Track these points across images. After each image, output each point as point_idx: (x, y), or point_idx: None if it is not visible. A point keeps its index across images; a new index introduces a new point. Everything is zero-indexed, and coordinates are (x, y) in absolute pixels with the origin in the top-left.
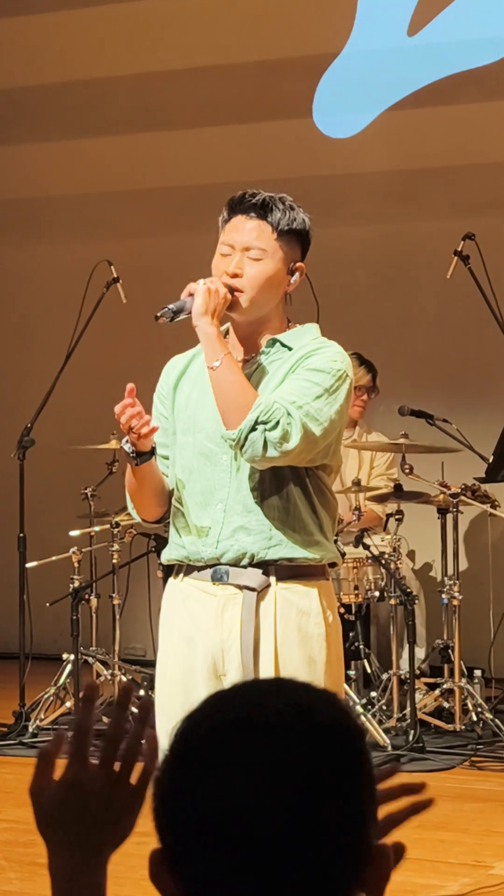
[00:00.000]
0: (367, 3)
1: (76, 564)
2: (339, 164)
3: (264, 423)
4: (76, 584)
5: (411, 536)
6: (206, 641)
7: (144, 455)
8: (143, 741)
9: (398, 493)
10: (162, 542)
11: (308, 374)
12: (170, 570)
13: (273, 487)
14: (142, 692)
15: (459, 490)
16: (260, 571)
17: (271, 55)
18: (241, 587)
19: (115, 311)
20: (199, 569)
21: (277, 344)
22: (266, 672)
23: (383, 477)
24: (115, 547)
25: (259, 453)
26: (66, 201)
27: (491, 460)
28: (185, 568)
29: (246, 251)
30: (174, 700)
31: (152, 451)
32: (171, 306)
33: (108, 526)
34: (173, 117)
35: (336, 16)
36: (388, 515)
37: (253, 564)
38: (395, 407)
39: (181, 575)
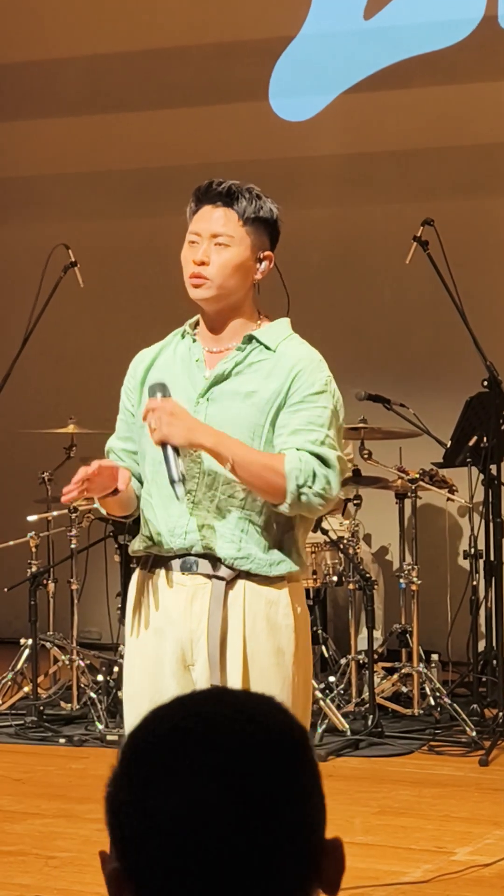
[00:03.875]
0: None
1: (34, 549)
2: (295, 147)
3: (303, 484)
4: (34, 568)
5: (369, 521)
6: (175, 632)
7: (112, 494)
8: None
9: (356, 478)
10: (119, 527)
11: (309, 401)
12: (129, 557)
13: (247, 493)
14: (100, 677)
15: (417, 475)
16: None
17: (227, 37)
18: (209, 576)
19: (72, 295)
20: (169, 559)
21: (254, 341)
22: (234, 662)
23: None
24: (73, 532)
25: (317, 509)
26: (21, 183)
27: (449, 445)
28: (153, 559)
29: (213, 239)
30: (143, 693)
31: (116, 490)
32: (174, 477)
33: (65, 511)
34: (129, 99)
35: None
36: (347, 500)
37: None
38: (352, 391)
39: (149, 565)
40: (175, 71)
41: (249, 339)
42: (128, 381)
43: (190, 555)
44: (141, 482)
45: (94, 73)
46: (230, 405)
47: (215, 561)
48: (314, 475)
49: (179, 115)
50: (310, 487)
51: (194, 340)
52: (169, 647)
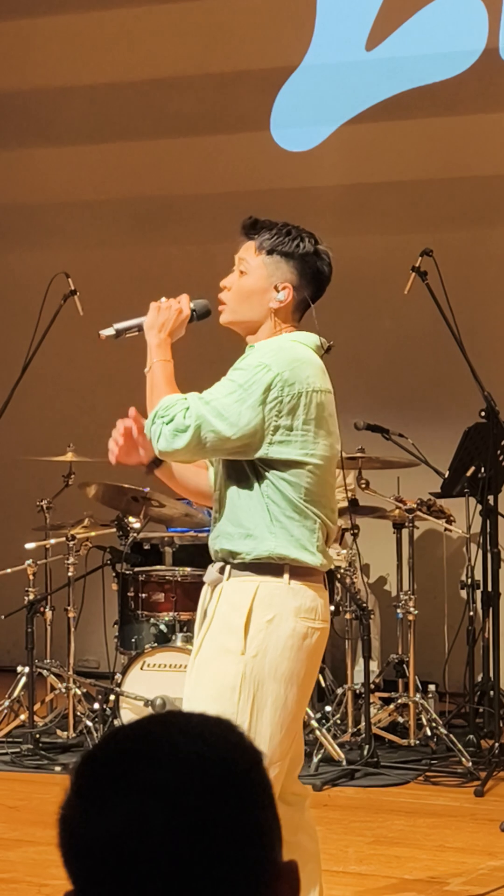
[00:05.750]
0: (325, 18)
1: (31, 577)
2: (297, 177)
3: (161, 417)
4: (31, 596)
5: (367, 551)
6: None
7: (152, 464)
8: None
9: (354, 507)
10: (117, 554)
11: (232, 373)
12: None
13: (224, 484)
14: (96, 705)
15: (415, 505)
16: (218, 568)
17: (229, 68)
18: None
19: (72, 323)
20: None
21: (249, 348)
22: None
23: (339, 488)
24: (71, 560)
25: (158, 445)
26: (22, 211)
27: (447, 475)
28: None
29: (237, 267)
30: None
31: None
32: (117, 325)
33: (63, 539)
34: (131, 128)
35: (294, 30)
36: (344, 530)
37: (215, 559)
38: (351, 421)
39: None
40: (177, 101)
41: (249, 349)
42: None
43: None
44: None
45: (97, 102)
46: None
47: (213, 566)
48: (172, 418)
49: (181, 144)
50: (163, 423)
51: None
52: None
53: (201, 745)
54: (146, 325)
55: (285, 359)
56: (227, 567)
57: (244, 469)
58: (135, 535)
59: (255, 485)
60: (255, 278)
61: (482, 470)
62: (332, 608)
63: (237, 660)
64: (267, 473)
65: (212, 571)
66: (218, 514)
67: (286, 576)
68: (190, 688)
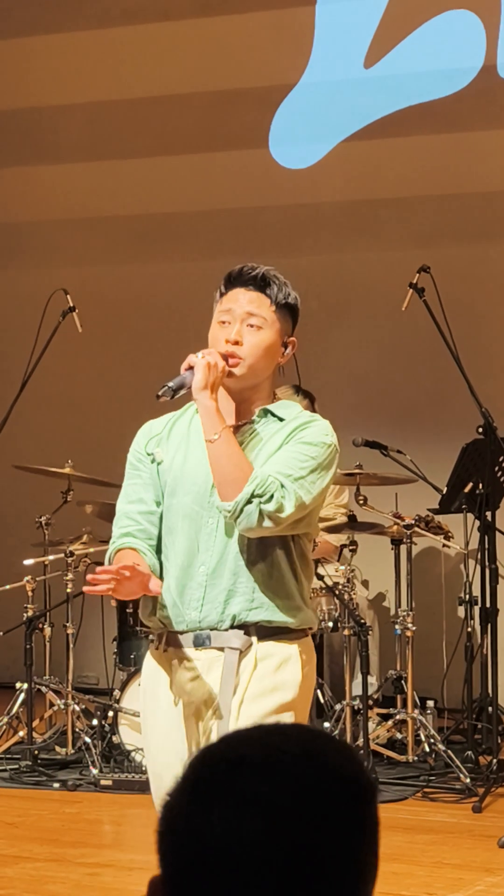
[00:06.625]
0: (324, 35)
1: (30, 593)
2: (295, 194)
3: (259, 496)
4: (30, 612)
5: (365, 567)
6: (192, 705)
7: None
8: None
9: (352, 523)
10: None
11: (303, 447)
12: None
13: (259, 551)
14: (95, 721)
15: (413, 521)
16: (242, 632)
17: (228, 85)
18: (222, 648)
19: (70, 340)
20: (181, 633)
21: (269, 414)
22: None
23: (331, 505)
24: (70, 576)
25: (254, 525)
26: (21, 228)
27: (445, 491)
28: (167, 636)
29: (245, 320)
30: (169, 770)
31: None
32: (170, 384)
33: (62, 555)
34: (129, 146)
35: (293, 47)
36: (342, 546)
37: (234, 626)
38: (349, 438)
39: (163, 645)
40: (176, 118)
41: (264, 412)
42: (135, 452)
43: (201, 629)
44: (159, 550)
45: (95, 119)
46: None
47: (227, 630)
48: (272, 496)
49: (180, 162)
50: (261, 502)
51: None
52: (190, 721)
53: (320, 771)
54: (198, 386)
55: (336, 438)
56: (253, 631)
57: (286, 539)
58: None
59: (293, 554)
60: (272, 333)
61: (480, 486)
62: (331, 624)
63: (291, 715)
64: (299, 542)
65: (233, 638)
66: (228, 582)
67: (309, 633)
68: None
